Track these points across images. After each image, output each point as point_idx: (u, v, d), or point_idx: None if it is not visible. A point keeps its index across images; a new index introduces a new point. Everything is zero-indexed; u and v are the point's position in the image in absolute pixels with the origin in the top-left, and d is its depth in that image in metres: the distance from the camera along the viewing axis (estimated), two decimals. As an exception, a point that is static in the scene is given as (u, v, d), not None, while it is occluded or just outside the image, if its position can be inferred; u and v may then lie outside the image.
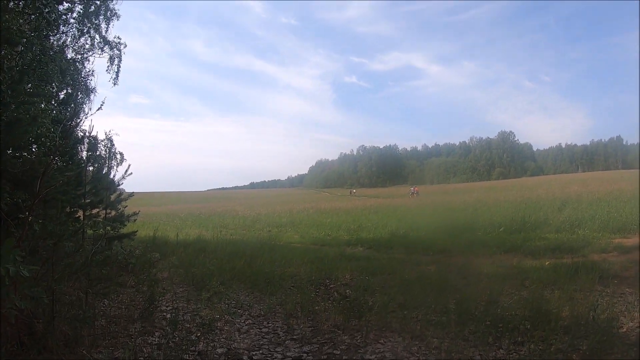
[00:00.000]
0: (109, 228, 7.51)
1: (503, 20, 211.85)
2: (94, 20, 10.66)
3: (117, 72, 12.36)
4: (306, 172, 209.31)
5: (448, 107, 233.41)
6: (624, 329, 4.87)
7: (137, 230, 8.78)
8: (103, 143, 8.76)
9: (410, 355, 4.56)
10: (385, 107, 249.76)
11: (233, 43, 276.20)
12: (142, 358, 4.30)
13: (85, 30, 10.60)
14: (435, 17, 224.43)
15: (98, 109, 6.29)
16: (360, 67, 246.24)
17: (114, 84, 12.65)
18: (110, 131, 8.60)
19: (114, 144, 8.83)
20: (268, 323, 5.82)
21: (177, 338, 4.64)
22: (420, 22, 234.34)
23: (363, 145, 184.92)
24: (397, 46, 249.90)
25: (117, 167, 8.82)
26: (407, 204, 32.86)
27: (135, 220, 8.93)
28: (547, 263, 8.85)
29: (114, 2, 11.24)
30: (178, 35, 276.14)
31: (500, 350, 4.56)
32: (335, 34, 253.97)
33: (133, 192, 9.15)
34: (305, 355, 4.68)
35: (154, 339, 4.87)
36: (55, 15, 8.95)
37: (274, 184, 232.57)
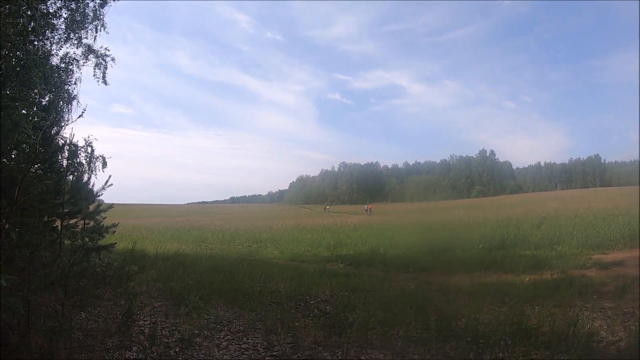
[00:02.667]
0: (87, 239, 7.35)
1: (485, 41, 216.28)
2: (80, 27, 10.54)
3: (104, 77, 12.18)
4: (287, 187, 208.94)
5: (430, 125, 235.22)
6: (604, 343, 4.97)
7: (115, 242, 8.61)
8: (83, 149, 8.65)
9: (391, 373, 4.56)
10: (367, 125, 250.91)
11: (218, 57, 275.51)
12: (119, 373, 4.20)
13: (71, 37, 10.48)
14: (418, 37, 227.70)
15: (79, 117, 6.23)
16: (344, 85, 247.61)
17: (105, 84, 12.37)
18: (90, 136, 8.48)
19: (94, 150, 8.71)
20: (248, 339, 5.76)
21: (156, 353, 4.57)
22: (403, 42, 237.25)
23: (344, 162, 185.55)
24: (381, 65, 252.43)
25: (100, 170, 8.68)
26: (384, 221, 32.93)
27: (114, 232, 8.76)
28: (526, 279, 9.00)
29: (102, 9, 11.16)
30: (163, 46, 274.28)
31: (482, 366, 4.59)
32: (320, 51, 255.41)
33: (113, 204, 9.00)
34: (285, 372, 4.63)
35: (131, 353, 4.78)
36: (42, 20, 8.86)
37: (255, 199, 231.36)
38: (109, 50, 11.96)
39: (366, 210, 63.28)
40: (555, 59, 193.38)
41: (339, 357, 4.99)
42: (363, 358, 4.96)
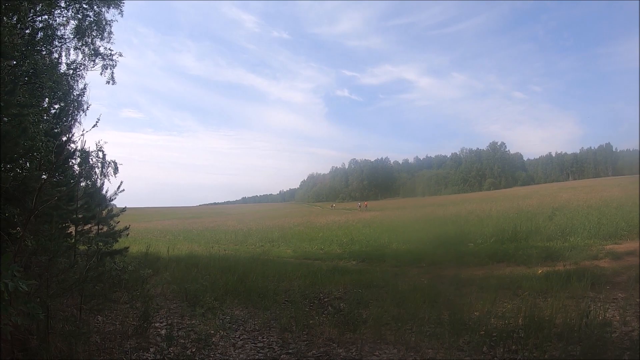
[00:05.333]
0: (101, 244, 7.45)
1: (492, 32, 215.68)
2: (88, 34, 10.67)
3: (112, 76, 12.32)
4: (298, 186, 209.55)
5: (439, 119, 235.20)
6: (617, 334, 4.92)
7: (129, 246, 8.72)
8: (94, 154, 8.74)
9: (406, 367, 4.57)
10: (376, 120, 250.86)
11: (224, 57, 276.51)
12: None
13: (78, 46, 10.63)
14: (425, 30, 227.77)
15: (93, 126, 6.28)
16: (351, 81, 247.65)
17: (112, 83, 12.51)
18: (100, 141, 8.58)
19: (105, 154, 8.81)
20: (263, 338, 5.80)
21: (173, 354, 4.61)
22: (410, 36, 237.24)
23: (354, 158, 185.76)
24: (388, 59, 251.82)
25: (112, 175, 8.76)
26: (396, 216, 32.86)
27: (127, 235, 8.86)
28: (539, 271, 8.92)
29: (109, 15, 11.30)
30: (169, 49, 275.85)
31: (495, 359, 4.59)
32: (327, 48, 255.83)
33: (125, 207, 9.09)
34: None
35: (149, 355, 4.84)
36: (49, 30, 8.97)
37: (266, 198, 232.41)
38: (112, 50, 12.10)
39: (360, 206, 69.58)
40: (563, 47, 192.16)
41: (354, 354, 5.01)
42: (377, 354, 4.97)
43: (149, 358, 4.72)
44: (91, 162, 8.46)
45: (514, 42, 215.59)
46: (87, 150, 7.91)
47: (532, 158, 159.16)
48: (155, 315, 6.20)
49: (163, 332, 5.58)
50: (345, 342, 5.38)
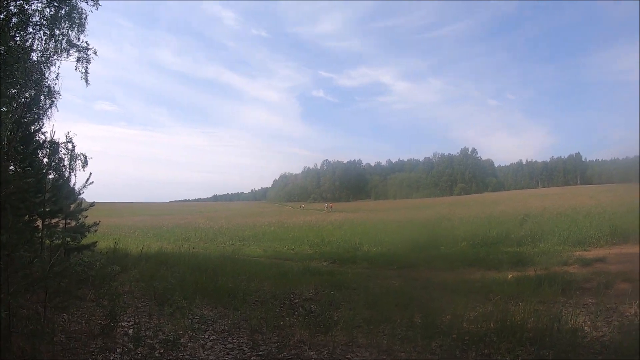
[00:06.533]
0: (68, 239, 7.23)
1: (471, 39, 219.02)
2: (62, 23, 10.32)
3: (86, 72, 11.95)
4: (270, 185, 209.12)
5: (414, 123, 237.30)
6: (588, 339, 5.07)
7: (97, 241, 8.50)
8: (63, 145, 8.50)
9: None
10: (351, 122, 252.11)
11: (203, 53, 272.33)
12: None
13: (53, 34, 10.26)
14: (404, 34, 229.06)
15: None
16: (328, 82, 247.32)
17: (86, 80, 12.15)
18: (69, 132, 8.34)
19: (75, 146, 8.57)
20: (233, 339, 5.73)
21: (140, 355, 4.51)
22: (389, 39, 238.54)
23: (327, 159, 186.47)
24: (366, 62, 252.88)
25: (81, 168, 8.53)
26: (360, 218, 33.19)
27: (95, 231, 8.64)
28: (510, 276, 9.15)
29: (86, 6, 10.96)
30: (148, 42, 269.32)
31: (468, 363, 4.64)
32: (306, 48, 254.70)
33: (94, 202, 8.86)
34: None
35: (115, 355, 4.71)
36: (23, 16, 8.66)
37: (238, 197, 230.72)
38: (88, 44, 11.75)
39: (327, 207, 73.86)
40: (540, 58, 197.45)
41: (325, 356, 5.00)
42: (349, 357, 4.98)
43: (116, 359, 4.59)
44: (61, 154, 8.20)
45: (491, 50, 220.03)
46: (57, 141, 7.68)
47: (504, 165, 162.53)
48: (122, 314, 6.04)
49: (130, 331, 5.45)
50: (316, 345, 5.37)
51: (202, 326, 6.17)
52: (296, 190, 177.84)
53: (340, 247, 16.91)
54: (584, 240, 13.53)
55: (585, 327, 5.50)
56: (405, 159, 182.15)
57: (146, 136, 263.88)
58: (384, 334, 5.59)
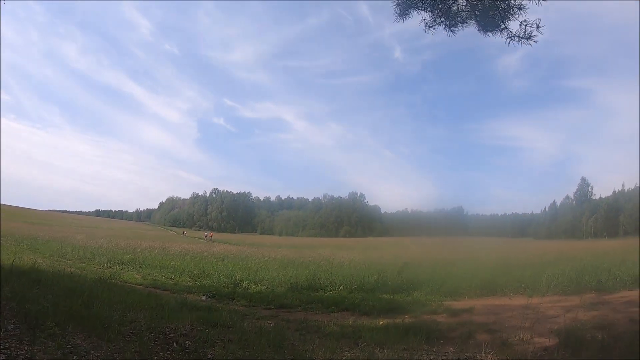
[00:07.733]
0: None
1: (373, 91, 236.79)
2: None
3: None
4: (156, 207, 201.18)
5: (308, 163, 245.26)
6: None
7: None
8: None
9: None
10: (246, 154, 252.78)
11: (109, 57, 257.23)
12: None
13: None
14: (311, 77, 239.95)
15: None
16: (231, 111, 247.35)
17: None
18: None
19: None
20: (105, 373, 5.23)
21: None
22: (296, 79, 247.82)
23: (217, 188, 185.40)
24: (271, 97, 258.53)
25: None
26: (244, 252, 33.32)
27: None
28: (380, 323, 9.42)
29: None
30: (54, 33, 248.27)
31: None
32: (214, 72, 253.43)
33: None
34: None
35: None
36: None
37: (121, 214, 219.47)
38: None
39: (206, 237, 73.99)
40: (435, 117, 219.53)
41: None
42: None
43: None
44: None
45: (391, 104, 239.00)
46: None
47: (390, 212, 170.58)
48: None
49: (2, 357, 5.35)
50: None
51: (75, 357, 6.07)
52: (183, 216, 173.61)
53: (220, 281, 16.62)
54: (455, 291, 14.13)
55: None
56: (295, 197, 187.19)
57: (33, 134, 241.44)
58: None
